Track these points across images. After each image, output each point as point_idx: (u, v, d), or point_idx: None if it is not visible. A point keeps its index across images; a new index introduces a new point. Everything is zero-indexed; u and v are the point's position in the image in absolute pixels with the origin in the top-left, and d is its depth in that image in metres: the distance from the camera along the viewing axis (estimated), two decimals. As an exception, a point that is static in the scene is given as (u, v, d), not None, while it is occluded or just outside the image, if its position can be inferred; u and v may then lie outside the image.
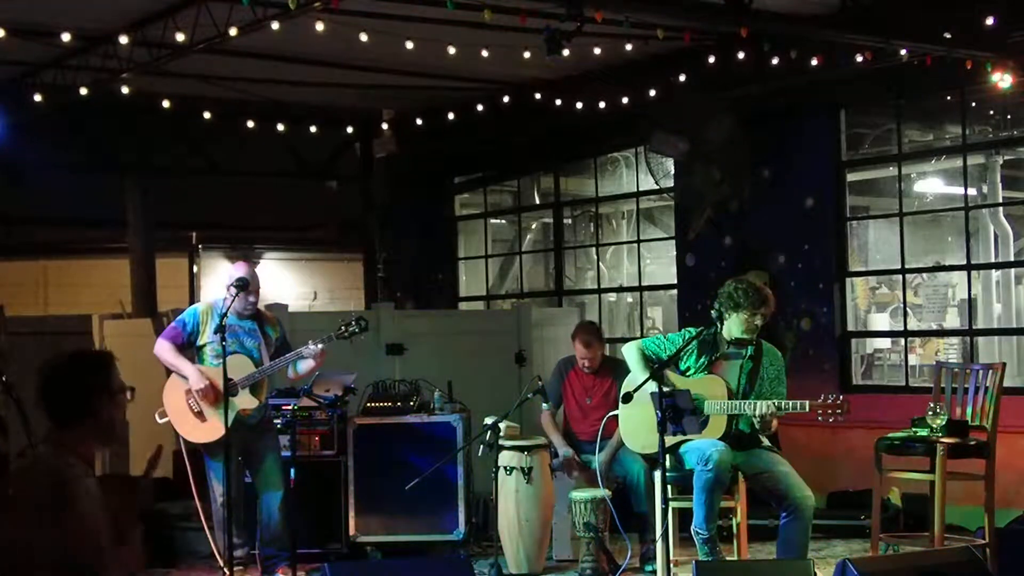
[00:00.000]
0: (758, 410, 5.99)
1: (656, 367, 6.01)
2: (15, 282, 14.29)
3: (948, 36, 7.77)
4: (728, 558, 6.23)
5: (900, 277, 9.29)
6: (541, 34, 7.05)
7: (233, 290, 6.84)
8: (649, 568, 7.04)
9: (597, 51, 8.88)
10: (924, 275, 10.03)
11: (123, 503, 3.55)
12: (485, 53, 8.85)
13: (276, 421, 7.23)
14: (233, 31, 7.44)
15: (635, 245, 11.47)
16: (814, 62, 8.60)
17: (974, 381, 6.84)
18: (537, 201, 12.47)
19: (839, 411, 5.86)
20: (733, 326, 6.19)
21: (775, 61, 8.85)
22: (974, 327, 9.34)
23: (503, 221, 13.11)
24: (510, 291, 12.67)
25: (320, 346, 6.85)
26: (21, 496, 3.32)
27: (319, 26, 7.76)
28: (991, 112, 9.07)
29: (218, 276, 15.74)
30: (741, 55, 8.88)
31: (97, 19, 8.18)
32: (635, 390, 5.88)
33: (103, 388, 3.57)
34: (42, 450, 3.44)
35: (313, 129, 11.84)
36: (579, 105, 10.19)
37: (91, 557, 3.30)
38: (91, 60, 8.70)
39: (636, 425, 6.42)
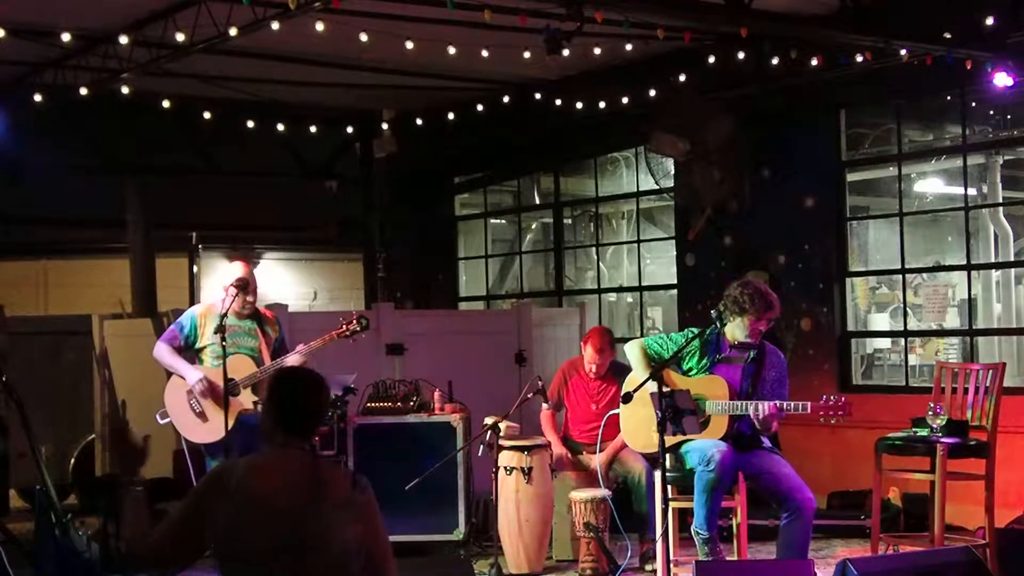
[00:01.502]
0: (760, 411, 5.99)
1: (657, 367, 6.00)
2: (15, 282, 14.28)
3: (948, 36, 7.77)
4: (728, 558, 6.23)
5: (900, 277, 9.29)
6: (541, 34, 7.05)
7: (233, 290, 6.84)
8: (649, 568, 7.04)
9: (597, 51, 8.88)
10: (924, 275, 10.02)
11: None
12: (485, 53, 8.85)
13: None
14: (233, 31, 7.44)
15: (635, 245, 11.47)
16: (814, 62, 8.61)
17: (974, 381, 6.83)
18: (537, 201, 12.48)
19: (840, 412, 5.86)
20: (737, 329, 6.17)
21: (775, 61, 8.86)
22: (974, 327, 9.34)
23: (503, 221, 13.12)
24: (510, 291, 12.67)
25: (313, 344, 6.84)
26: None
27: (319, 26, 7.76)
28: (991, 112, 9.07)
29: (218, 276, 15.71)
30: (741, 55, 8.89)
31: (97, 19, 8.18)
32: (635, 390, 5.87)
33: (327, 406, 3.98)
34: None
35: (313, 129, 11.84)
36: (579, 105, 10.19)
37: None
38: (91, 60, 8.70)
39: (637, 425, 6.42)
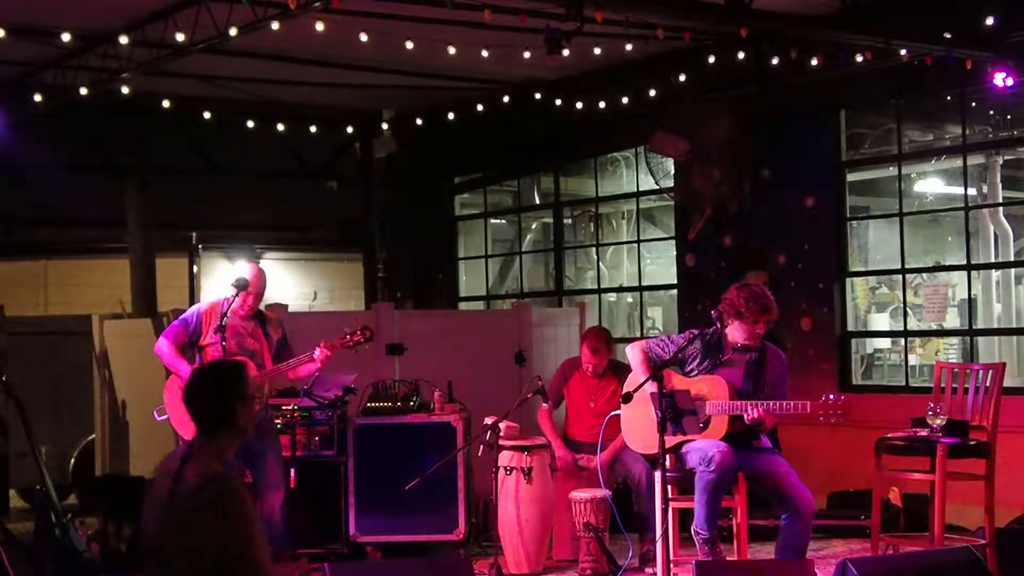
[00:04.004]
0: (758, 411, 5.99)
1: (657, 367, 6.00)
2: (15, 282, 14.29)
3: (948, 36, 7.77)
4: (728, 558, 6.23)
5: (900, 277, 9.29)
6: (541, 34, 7.05)
7: (233, 289, 6.84)
8: (649, 570, 7.04)
9: (597, 51, 8.88)
10: (924, 275, 10.03)
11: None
12: (485, 53, 8.85)
13: (276, 421, 7.22)
14: (233, 31, 7.44)
15: (635, 245, 11.47)
16: (814, 62, 8.60)
17: (974, 381, 6.83)
18: (537, 201, 12.47)
19: (840, 412, 5.86)
20: (736, 332, 6.18)
21: (775, 61, 8.85)
22: (974, 327, 9.34)
23: (503, 221, 13.12)
24: (510, 291, 12.66)
25: (323, 353, 6.84)
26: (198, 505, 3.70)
27: (319, 26, 7.76)
28: (991, 112, 9.07)
29: (218, 276, 15.75)
30: (741, 55, 8.89)
31: (97, 19, 8.18)
32: (635, 390, 5.88)
33: (238, 396, 3.98)
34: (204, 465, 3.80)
35: (313, 129, 11.85)
36: (579, 105, 10.19)
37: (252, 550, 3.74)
38: (91, 60, 8.70)
39: (637, 425, 6.42)
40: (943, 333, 9.93)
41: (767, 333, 6.40)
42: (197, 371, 4.10)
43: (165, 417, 6.98)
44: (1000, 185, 9.73)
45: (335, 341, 6.89)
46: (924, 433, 6.65)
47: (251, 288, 6.84)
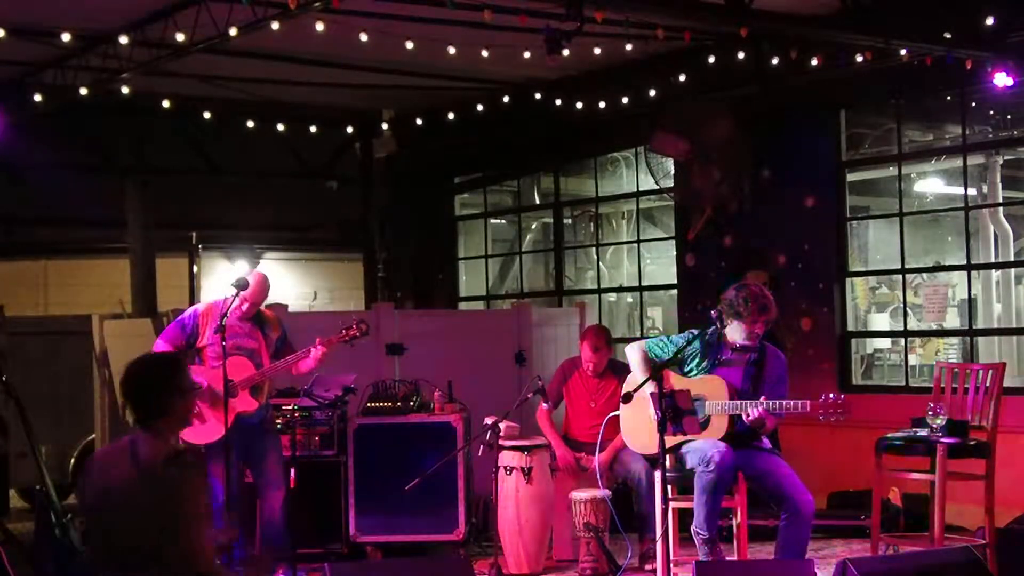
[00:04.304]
0: (753, 411, 5.98)
1: (657, 366, 5.99)
2: (15, 282, 14.30)
3: (948, 36, 7.77)
4: (728, 558, 6.23)
5: (900, 277, 9.29)
6: (541, 34, 7.05)
7: (233, 289, 6.83)
8: (649, 568, 7.04)
9: (597, 51, 8.88)
10: (924, 275, 10.03)
11: None
12: (485, 53, 8.85)
13: (276, 421, 7.23)
14: (233, 31, 7.44)
15: (635, 245, 11.47)
16: (814, 62, 8.60)
17: (974, 381, 6.83)
18: (537, 201, 12.48)
19: (839, 411, 5.85)
20: (735, 332, 6.18)
21: (775, 61, 8.86)
22: (974, 327, 9.34)
23: (503, 221, 13.12)
24: (510, 291, 12.66)
25: (320, 348, 6.84)
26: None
27: (319, 26, 7.76)
28: (991, 112, 9.07)
29: (218, 276, 15.76)
30: (741, 55, 8.89)
31: (97, 19, 8.18)
32: (635, 390, 5.87)
33: (172, 388, 4.15)
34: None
35: (313, 129, 11.85)
36: (579, 105, 10.19)
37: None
38: (91, 60, 8.70)
39: (636, 425, 6.42)
40: (943, 333, 9.94)
41: (767, 333, 6.39)
42: (131, 364, 4.26)
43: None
44: (1000, 185, 9.73)
45: (331, 337, 6.89)
46: (924, 433, 6.65)
47: (248, 295, 6.82)
